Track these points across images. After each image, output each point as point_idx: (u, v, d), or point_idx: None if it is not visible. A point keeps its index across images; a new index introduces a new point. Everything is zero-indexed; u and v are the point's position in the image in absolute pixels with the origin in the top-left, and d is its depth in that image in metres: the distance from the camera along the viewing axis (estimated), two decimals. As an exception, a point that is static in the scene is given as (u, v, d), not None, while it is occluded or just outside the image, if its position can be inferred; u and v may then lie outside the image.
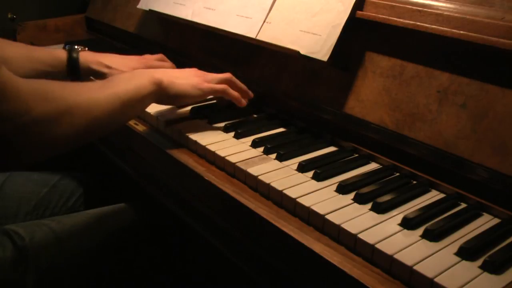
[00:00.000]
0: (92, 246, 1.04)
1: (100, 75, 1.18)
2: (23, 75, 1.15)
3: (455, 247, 0.67)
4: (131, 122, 1.08)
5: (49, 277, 0.96)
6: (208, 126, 1.02)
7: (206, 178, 0.87)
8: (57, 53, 1.17)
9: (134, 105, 0.89)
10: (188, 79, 0.99)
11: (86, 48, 1.23)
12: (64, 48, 1.19)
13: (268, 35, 1.04)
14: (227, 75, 1.04)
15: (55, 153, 0.80)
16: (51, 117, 0.74)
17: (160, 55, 1.27)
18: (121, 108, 0.85)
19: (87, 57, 1.18)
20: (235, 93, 1.02)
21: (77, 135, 0.79)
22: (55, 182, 1.26)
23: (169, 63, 1.26)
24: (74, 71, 1.17)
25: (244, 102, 1.03)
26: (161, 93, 0.93)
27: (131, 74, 0.93)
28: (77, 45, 1.25)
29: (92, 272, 1.03)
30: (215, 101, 1.17)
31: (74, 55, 1.16)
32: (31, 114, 0.70)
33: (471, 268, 0.64)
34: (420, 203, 0.78)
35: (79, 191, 1.28)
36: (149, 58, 1.25)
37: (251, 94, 1.07)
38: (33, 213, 1.20)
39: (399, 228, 0.71)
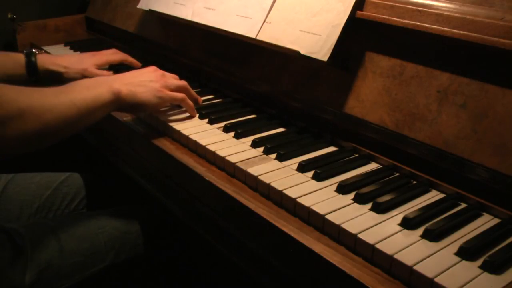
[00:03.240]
0: (92, 247, 1.04)
1: (58, 75, 1.25)
2: None
3: (455, 247, 0.67)
4: (131, 122, 1.09)
5: (48, 277, 0.96)
6: (208, 126, 1.02)
7: (206, 178, 0.87)
8: (16, 57, 1.22)
9: (91, 113, 0.90)
10: (148, 86, 0.99)
11: (43, 51, 1.28)
12: (22, 52, 1.24)
13: (268, 35, 1.04)
14: (183, 82, 1.07)
15: (5, 155, 0.82)
16: (1, 120, 0.76)
17: (113, 50, 1.35)
18: (77, 115, 0.87)
19: (44, 59, 1.23)
20: (191, 104, 1.05)
21: (28, 139, 0.81)
22: (58, 184, 1.26)
23: (121, 54, 1.34)
24: (33, 74, 1.23)
25: (196, 114, 1.06)
26: (120, 103, 0.95)
27: (90, 82, 0.94)
28: (36, 49, 1.29)
29: (91, 273, 1.02)
30: (215, 101, 1.18)
31: (32, 58, 1.22)
32: None
33: (471, 268, 0.64)
34: (420, 203, 0.78)
35: (82, 193, 1.28)
36: (103, 53, 1.32)
37: (200, 100, 1.13)
38: (35, 216, 1.20)
39: (399, 228, 0.71)
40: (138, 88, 0.97)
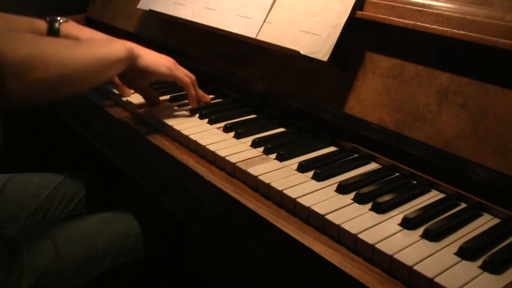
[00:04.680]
0: (90, 252, 1.03)
1: None
2: None
3: (455, 247, 0.67)
4: (132, 122, 1.09)
5: (45, 283, 0.95)
6: (208, 126, 1.02)
7: (206, 178, 0.87)
8: (38, 23, 1.15)
9: (107, 66, 0.92)
10: (159, 57, 1.05)
11: (69, 20, 1.20)
12: (45, 19, 1.16)
13: (268, 35, 1.04)
14: (192, 75, 1.10)
15: (36, 99, 0.84)
16: (25, 60, 0.77)
17: None
18: (94, 67, 0.89)
19: (68, 28, 1.16)
20: (193, 92, 1.08)
21: (53, 82, 0.82)
22: (56, 184, 1.25)
23: None
24: None
25: (196, 104, 1.09)
26: (132, 61, 0.98)
27: (106, 39, 0.99)
28: (61, 17, 1.19)
29: (89, 278, 1.02)
30: (215, 101, 1.17)
31: (56, 26, 1.15)
32: (4, 58, 0.73)
33: (471, 268, 0.64)
34: (420, 203, 0.78)
35: (81, 193, 1.27)
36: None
37: (208, 98, 1.15)
38: (34, 216, 1.19)
39: (399, 228, 0.71)
40: (150, 54, 1.03)
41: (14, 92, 0.77)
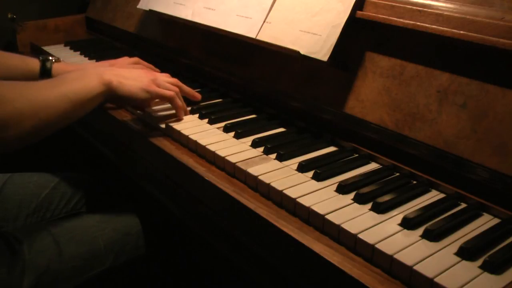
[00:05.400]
0: (91, 251, 1.03)
1: None
2: None
3: (455, 247, 0.67)
4: (132, 122, 1.09)
5: (47, 282, 0.95)
6: (208, 126, 1.02)
7: (206, 178, 0.87)
8: (31, 62, 1.18)
9: (84, 104, 0.91)
10: (137, 80, 1.00)
11: (60, 60, 1.23)
12: (38, 58, 1.19)
13: (268, 35, 1.04)
14: (174, 79, 1.07)
15: (5, 152, 0.83)
16: (1, 123, 0.77)
17: (136, 59, 1.26)
18: (71, 108, 0.88)
19: (59, 68, 1.19)
20: (180, 104, 1.04)
21: (26, 136, 0.82)
22: (56, 183, 1.26)
23: (142, 64, 1.25)
24: None
25: (183, 116, 1.05)
26: (110, 94, 0.96)
27: (81, 73, 0.94)
28: (53, 56, 1.24)
29: (91, 276, 1.02)
30: (215, 101, 1.17)
31: (47, 65, 1.18)
32: None
33: (471, 268, 0.64)
34: (420, 203, 0.78)
35: (80, 193, 1.27)
36: (122, 62, 1.24)
37: (198, 96, 1.11)
38: (33, 216, 1.19)
39: (399, 228, 0.71)
40: (128, 80, 0.98)
41: None
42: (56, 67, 1.19)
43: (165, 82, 1.04)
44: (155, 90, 1.01)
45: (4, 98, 0.80)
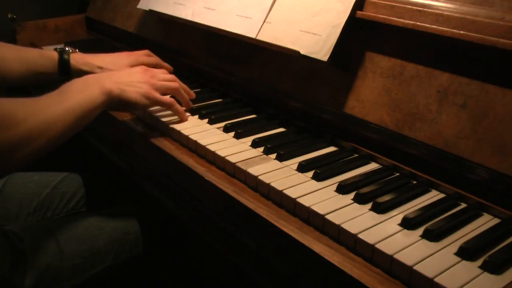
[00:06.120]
0: (92, 249, 1.03)
1: None
2: (16, 75, 1.16)
3: (455, 247, 0.67)
4: (132, 122, 1.09)
5: (48, 280, 0.96)
6: (208, 126, 1.02)
7: (206, 178, 0.87)
8: (48, 54, 1.18)
9: (86, 116, 0.91)
10: (137, 86, 1.00)
11: (77, 50, 1.23)
12: (55, 49, 1.20)
13: (268, 35, 1.04)
14: (172, 76, 1.08)
15: (18, 170, 0.85)
16: (12, 143, 0.77)
17: (146, 51, 1.28)
18: (76, 122, 0.88)
19: (77, 59, 1.19)
20: (180, 108, 1.04)
21: (35, 154, 0.82)
22: (56, 183, 1.26)
23: (155, 58, 1.27)
24: (65, 73, 1.19)
25: (186, 118, 1.05)
26: (111, 102, 0.96)
27: (82, 84, 0.94)
28: (69, 47, 1.24)
29: (91, 275, 1.02)
30: (215, 101, 1.17)
31: (65, 56, 1.18)
32: None
33: (471, 268, 0.64)
34: (420, 203, 0.78)
35: (81, 192, 1.28)
36: (137, 54, 1.25)
37: (192, 94, 1.12)
38: (34, 215, 1.20)
39: (399, 228, 0.71)
40: (128, 87, 0.98)
41: (1, 171, 0.82)
42: (74, 57, 1.19)
43: (164, 82, 1.04)
44: (154, 97, 1.01)
45: (16, 118, 0.79)
